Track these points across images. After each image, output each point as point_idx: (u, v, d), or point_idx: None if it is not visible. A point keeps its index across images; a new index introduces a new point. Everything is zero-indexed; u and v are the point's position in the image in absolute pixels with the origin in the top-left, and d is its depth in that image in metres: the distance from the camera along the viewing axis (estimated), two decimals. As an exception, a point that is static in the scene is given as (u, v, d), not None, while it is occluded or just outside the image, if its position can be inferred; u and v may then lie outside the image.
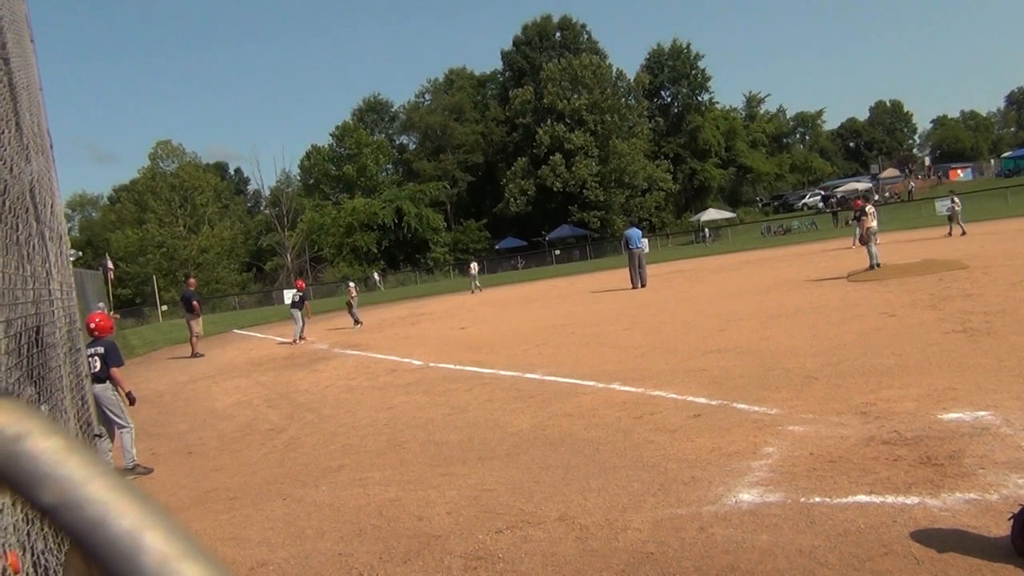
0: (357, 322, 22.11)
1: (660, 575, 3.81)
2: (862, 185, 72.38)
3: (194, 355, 19.98)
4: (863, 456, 5.07)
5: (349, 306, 22.80)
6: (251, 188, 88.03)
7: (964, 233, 26.47)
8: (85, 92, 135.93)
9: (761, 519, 4.30)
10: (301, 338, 20.02)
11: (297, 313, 20.29)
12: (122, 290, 56.73)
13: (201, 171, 70.51)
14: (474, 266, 38.09)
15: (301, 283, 22.65)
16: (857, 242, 25.50)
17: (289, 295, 27.40)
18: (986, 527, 3.80)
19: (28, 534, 2.96)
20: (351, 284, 24.68)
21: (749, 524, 4.25)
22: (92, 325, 8.06)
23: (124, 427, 7.76)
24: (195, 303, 20.13)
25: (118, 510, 0.38)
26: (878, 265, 16.98)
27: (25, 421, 0.39)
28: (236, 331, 28.88)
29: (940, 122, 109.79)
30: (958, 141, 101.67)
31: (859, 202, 21.15)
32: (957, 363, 7.34)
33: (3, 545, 2.46)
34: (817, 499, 4.47)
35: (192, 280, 22.44)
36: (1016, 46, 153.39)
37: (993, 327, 8.83)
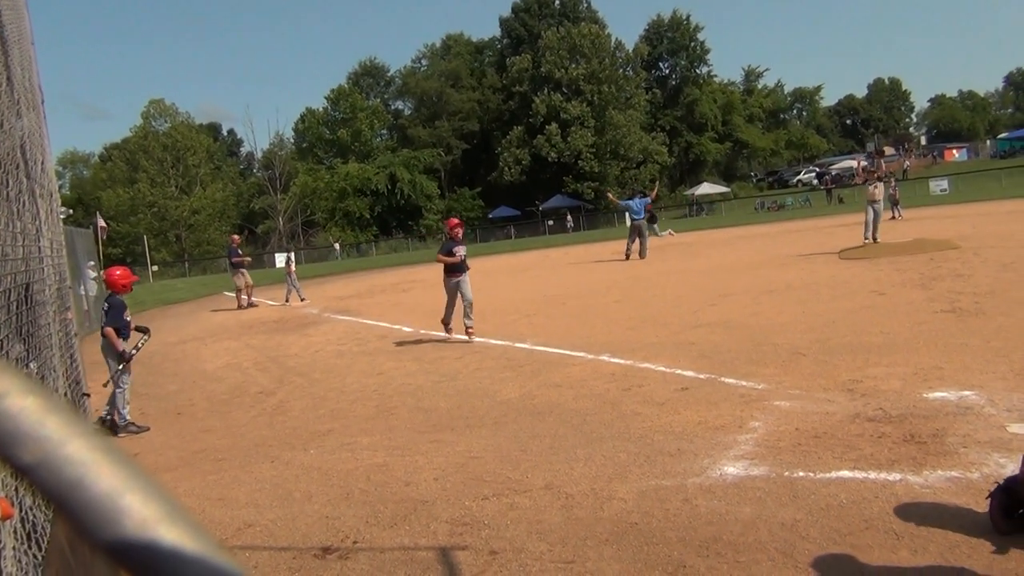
0: (289, 299, 21.04)
1: (644, 544, 3.85)
2: (861, 161, 72.16)
3: (246, 306, 20.91)
4: (848, 432, 5.12)
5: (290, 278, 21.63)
6: (244, 150, 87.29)
7: (900, 217, 27.85)
8: (77, 47, 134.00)
9: (745, 492, 4.34)
10: (302, 298, 20.73)
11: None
12: (112, 249, 56.36)
13: (194, 131, 69.77)
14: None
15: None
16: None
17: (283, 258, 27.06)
18: (966, 504, 3.85)
19: (16, 490, 2.97)
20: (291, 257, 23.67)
21: (733, 496, 4.30)
22: (110, 278, 8.13)
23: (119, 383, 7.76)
24: (234, 258, 21.47)
25: (98, 471, 0.37)
26: (872, 239, 17.10)
27: (3, 379, 0.39)
28: (227, 294, 28.76)
29: (938, 101, 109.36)
30: (955, 121, 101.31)
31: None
32: (944, 343, 7.39)
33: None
34: (801, 474, 4.52)
35: (235, 236, 23.37)
36: (1017, 26, 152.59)
37: (982, 308, 8.88)
